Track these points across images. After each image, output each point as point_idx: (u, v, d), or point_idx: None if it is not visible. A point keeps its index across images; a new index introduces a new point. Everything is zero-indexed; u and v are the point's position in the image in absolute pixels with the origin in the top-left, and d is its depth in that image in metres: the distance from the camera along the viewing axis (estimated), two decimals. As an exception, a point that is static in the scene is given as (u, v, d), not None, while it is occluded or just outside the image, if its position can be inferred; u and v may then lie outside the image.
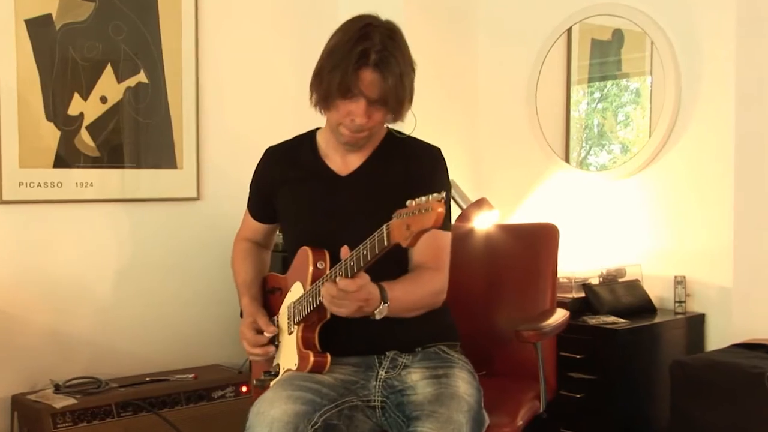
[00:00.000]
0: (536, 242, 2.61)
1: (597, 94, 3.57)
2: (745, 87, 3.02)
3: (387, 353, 2.12)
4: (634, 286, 3.31)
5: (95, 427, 2.79)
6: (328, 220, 2.07)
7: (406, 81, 1.95)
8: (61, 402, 2.78)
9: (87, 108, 3.10)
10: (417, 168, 2.03)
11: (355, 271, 1.76)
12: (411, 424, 1.92)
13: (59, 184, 3.07)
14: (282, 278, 2.21)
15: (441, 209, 1.55)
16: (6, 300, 2.93)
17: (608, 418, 2.93)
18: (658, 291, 3.33)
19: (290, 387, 1.95)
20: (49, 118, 3.02)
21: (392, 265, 1.93)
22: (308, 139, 2.18)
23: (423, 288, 2.01)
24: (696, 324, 3.19)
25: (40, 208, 3.03)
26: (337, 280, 1.80)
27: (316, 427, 1.89)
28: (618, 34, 3.46)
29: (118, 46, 3.13)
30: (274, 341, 2.13)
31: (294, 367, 2.07)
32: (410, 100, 1.99)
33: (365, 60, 1.93)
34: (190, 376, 3.15)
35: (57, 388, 2.90)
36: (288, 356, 2.12)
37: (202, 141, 3.37)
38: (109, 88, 3.14)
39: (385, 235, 1.64)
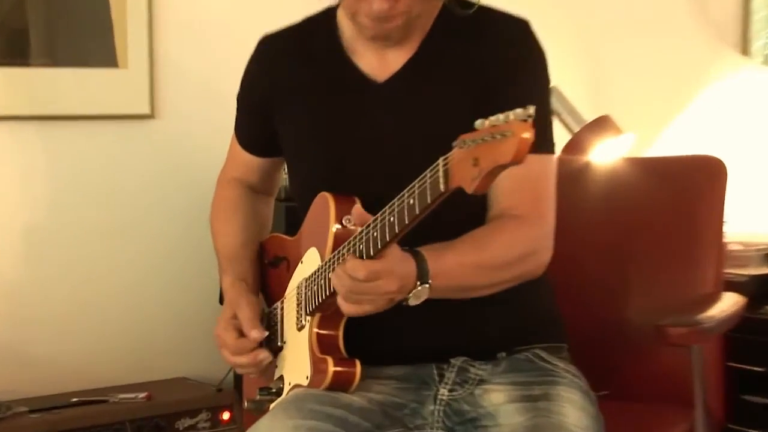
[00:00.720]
0: (691, 186, 2.35)
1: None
2: None
3: (452, 361, 1.80)
4: None
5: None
6: (357, 151, 1.83)
7: None
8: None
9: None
10: (492, 62, 1.81)
11: (394, 234, 1.53)
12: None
13: None
14: (290, 242, 1.95)
15: (527, 134, 1.33)
16: None
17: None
18: None
19: (299, 413, 1.68)
20: None
21: (454, 224, 1.69)
22: (325, 23, 1.92)
23: (499, 248, 1.73)
24: None
25: None
26: (348, 259, 1.58)
27: None
28: None
29: None
30: (275, 343, 1.86)
31: (305, 382, 1.78)
32: None
33: None
34: (141, 395, 2.79)
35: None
36: (296, 365, 1.82)
37: (158, 28, 2.98)
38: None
39: (441, 175, 1.42)
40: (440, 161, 1.44)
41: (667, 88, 3.56)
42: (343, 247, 1.63)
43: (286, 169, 2.08)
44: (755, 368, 2.87)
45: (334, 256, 1.67)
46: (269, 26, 2.01)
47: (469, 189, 1.39)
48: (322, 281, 1.72)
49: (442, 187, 1.44)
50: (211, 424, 2.80)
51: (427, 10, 1.82)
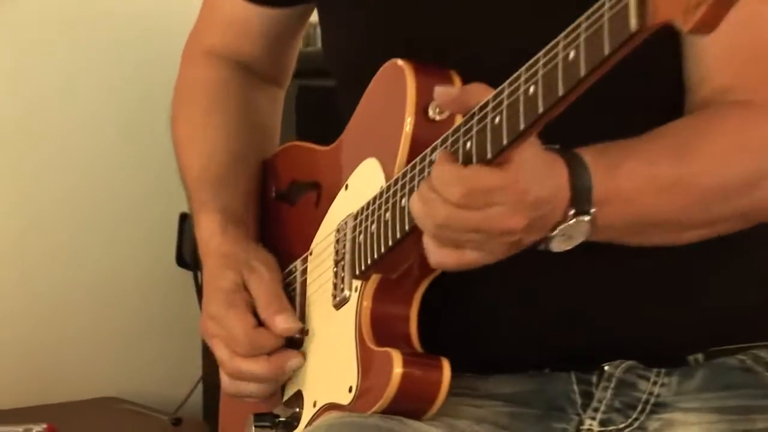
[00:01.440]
0: None
1: None
2: None
3: (606, 369, 1.29)
4: None
5: None
6: None
7: None
8: None
9: None
10: None
11: (534, 117, 1.07)
12: None
13: None
14: (322, 156, 1.46)
15: None
16: None
17: None
18: None
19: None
20: None
21: (603, 124, 1.22)
22: None
23: (715, 157, 1.23)
24: None
25: None
26: (442, 167, 1.15)
27: None
28: None
29: None
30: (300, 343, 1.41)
31: (347, 399, 1.27)
32: None
33: None
34: (40, 427, 2.32)
35: None
36: (329, 369, 1.35)
37: None
38: None
39: (632, 1, 0.99)
40: None
41: None
42: (432, 151, 1.21)
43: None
44: None
45: (412, 169, 1.24)
46: None
47: (686, 25, 0.95)
48: (390, 215, 1.27)
49: (633, 23, 0.99)
50: (160, 487, 2.54)
51: None
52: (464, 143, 1.16)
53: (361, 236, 1.32)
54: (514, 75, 1.11)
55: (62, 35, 2.77)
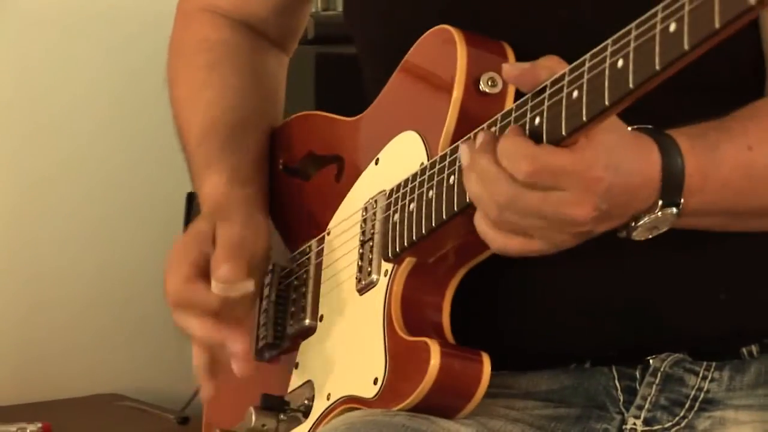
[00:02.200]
0: None
1: None
2: None
3: (652, 362, 1.23)
4: None
5: None
6: None
7: None
8: None
9: None
10: None
11: (624, 92, 1.00)
12: None
13: None
14: (344, 127, 1.38)
15: None
16: None
17: None
18: None
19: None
20: None
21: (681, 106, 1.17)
22: None
23: None
24: None
25: None
26: (510, 140, 1.07)
27: None
28: None
29: None
30: (298, 319, 1.32)
31: (371, 392, 1.19)
32: None
33: None
34: (35, 426, 2.29)
35: None
36: (348, 359, 1.27)
37: None
38: None
39: None
40: None
41: None
42: (489, 126, 1.14)
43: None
44: None
45: (463, 144, 1.16)
46: None
47: None
48: (434, 193, 1.20)
49: None
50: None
51: None
52: (532, 118, 1.09)
53: (397, 215, 1.24)
54: (597, 48, 1.04)
55: (69, 14, 2.68)
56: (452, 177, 1.16)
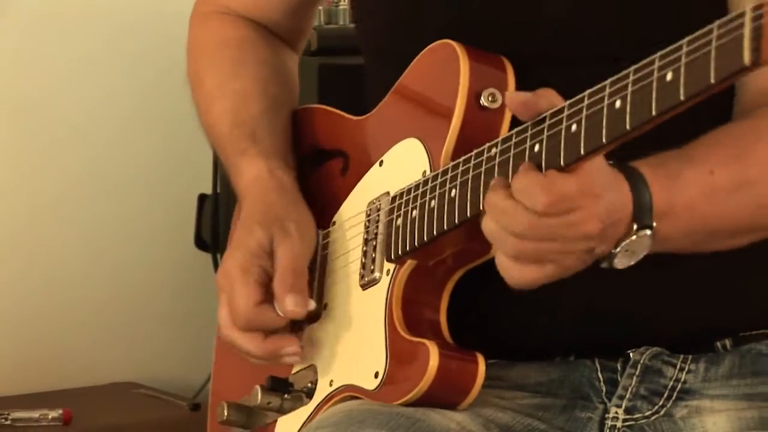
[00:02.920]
0: None
1: None
2: None
3: (632, 355, 1.30)
4: None
5: None
6: None
7: None
8: None
9: None
10: None
11: (622, 132, 1.07)
12: None
13: None
14: (350, 124, 1.42)
15: None
16: None
17: None
18: None
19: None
20: None
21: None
22: None
23: None
24: None
25: None
26: (527, 174, 1.12)
27: None
28: None
29: None
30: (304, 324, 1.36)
31: (372, 384, 1.26)
32: None
33: None
34: (53, 414, 2.35)
35: None
36: (352, 350, 1.33)
37: None
38: None
39: (747, 33, 0.96)
40: (748, 9, 0.99)
41: None
42: (491, 148, 1.20)
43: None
44: None
45: (466, 162, 1.23)
46: None
47: None
48: (436, 204, 1.26)
49: (746, 56, 0.97)
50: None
51: None
52: (532, 146, 1.15)
53: (400, 220, 1.30)
54: (597, 87, 1.10)
55: (77, 14, 2.73)
56: (454, 190, 1.22)
